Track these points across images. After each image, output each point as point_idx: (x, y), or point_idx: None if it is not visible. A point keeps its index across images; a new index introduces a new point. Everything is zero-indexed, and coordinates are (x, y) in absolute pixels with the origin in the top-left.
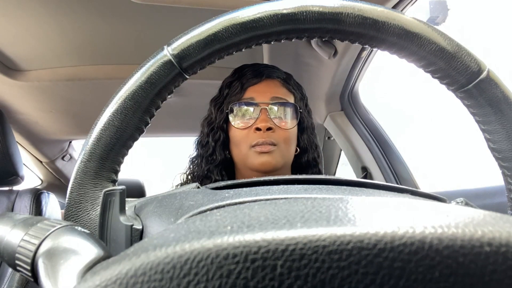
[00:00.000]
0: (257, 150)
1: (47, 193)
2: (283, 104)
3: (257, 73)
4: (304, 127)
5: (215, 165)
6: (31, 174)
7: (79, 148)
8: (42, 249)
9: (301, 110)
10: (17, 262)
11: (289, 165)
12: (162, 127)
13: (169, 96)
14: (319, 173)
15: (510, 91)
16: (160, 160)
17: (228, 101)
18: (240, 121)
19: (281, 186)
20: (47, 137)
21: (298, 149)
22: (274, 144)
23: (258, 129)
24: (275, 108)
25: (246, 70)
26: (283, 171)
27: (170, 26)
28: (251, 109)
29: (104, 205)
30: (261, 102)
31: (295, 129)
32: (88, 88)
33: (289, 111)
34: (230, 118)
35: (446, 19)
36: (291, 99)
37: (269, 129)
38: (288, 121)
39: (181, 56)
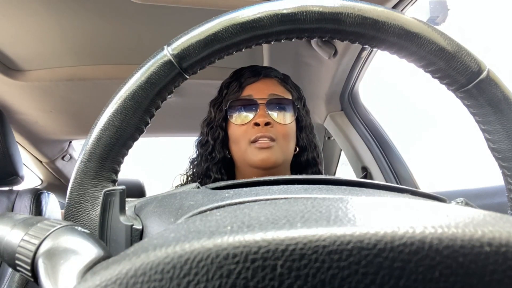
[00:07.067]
0: (257, 145)
1: (47, 193)
2: (281, 100)
3: (255, 72)
4: (303, 126)
5: (214, 163)
6: (31, 174)
7: (79, 148)
8: (42, 249)
9: (298, 106)
10: (17, 262)
11: (289, 163)
12: (162, 127)
13: (169, 96)
14: (319, 172)
15: (510, 91)
16: (160, 160)
17: (226, 100)
18: (238, 117)
19: (281, 186)
20: (47, 137)
21: (298, 148)
22: (273, 139)
23: (256, 124)
24: (273, 104)
25: (244, 70)
26: (283, 169)
27: (170, 26)
28: (249, 105)
29: (104, 205)
30: (259, 99)
31: (294, 126)
32: (88, 88)
33: (286, 106)
34: (229, 115)
35: (446, 19)
36: (289, 97)
37: (267, 124)
38: (286, 117)
39: (181, 56)
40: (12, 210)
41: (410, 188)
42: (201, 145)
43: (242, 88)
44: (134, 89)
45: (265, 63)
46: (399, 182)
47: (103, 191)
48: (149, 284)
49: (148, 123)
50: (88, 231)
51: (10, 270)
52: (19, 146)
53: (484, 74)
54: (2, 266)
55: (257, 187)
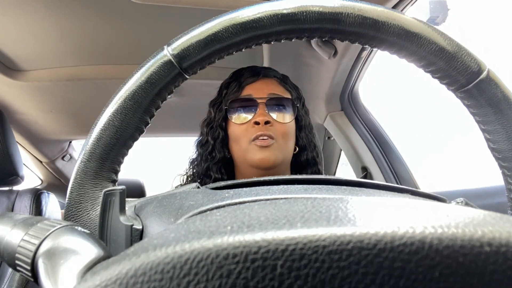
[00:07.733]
0: (257, 143)
1: (47, 193)
2: (280, 99)
3: (254, 72)
4: (302, 125)
5: (214, 163)
6: (31, 174)
7: (79, 148)
8: (42, 249)
9: (298, 106)
10: (17, 262)
11: (288, 162)
12: (162, 127)
13: (169, 96)
14: (319, 172)
15: (510, 91)
16: (160, 160)
17: (226, 100)
18: (238, 117)
19: (281, 186)
20: (47, 137)
21: (297, 148)
22: (272, 138)
23: (256, 123)
24: (273, 103)
25: (244, 71)
26: (282, 168)
27: (170, 26)
28: (249, 104)
29: (104, 205)
30: (258, 98)
31: (293, 126)
32: (88, 88)
33: (286, 106)
34: (229, 115)
35: (446, 19)
36: (288, 97)
37: (267, 122)
38: (285, 116)
39: (181, 56)
40: (12, 210)
41: (410, 188)
42: (201, 145)
43: (242, 88)
44: (134, 89)
45: (265, 63)
46: (399, 182)
47: (103, 191)
48: (149, 284)
49: (148, 123)
50: (88, 231)
51: (10, 270)
52: (19, 146)
53: (484, 74)
54: (2, 266)
55: (257, 187)
